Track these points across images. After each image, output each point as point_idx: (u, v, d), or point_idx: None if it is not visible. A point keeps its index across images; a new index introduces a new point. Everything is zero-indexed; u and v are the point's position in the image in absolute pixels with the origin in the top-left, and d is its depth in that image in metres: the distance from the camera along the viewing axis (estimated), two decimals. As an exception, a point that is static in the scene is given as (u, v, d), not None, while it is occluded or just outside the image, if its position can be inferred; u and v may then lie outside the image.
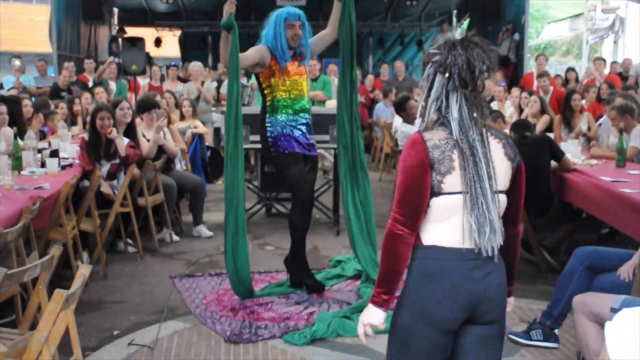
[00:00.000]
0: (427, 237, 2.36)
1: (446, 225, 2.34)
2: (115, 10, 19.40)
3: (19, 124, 7.14)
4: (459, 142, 2.30)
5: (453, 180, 2.30)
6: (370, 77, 14.30)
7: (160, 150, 7.20)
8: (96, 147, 6.32)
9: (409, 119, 7.90)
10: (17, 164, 5.88)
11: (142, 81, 12.21)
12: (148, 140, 7.09)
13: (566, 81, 11.72)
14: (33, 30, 21.29)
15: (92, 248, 6.12)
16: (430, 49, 2.37)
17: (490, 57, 2.36)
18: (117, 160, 6.40)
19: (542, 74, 10.33)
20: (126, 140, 6.56)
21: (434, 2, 19.08)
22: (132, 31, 17.55)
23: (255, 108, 10.24)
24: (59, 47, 14.21)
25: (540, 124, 8.04)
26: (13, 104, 7.14)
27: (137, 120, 7.49)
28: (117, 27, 18.29)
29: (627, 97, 7.35)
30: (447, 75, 2.32)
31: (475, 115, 2.34)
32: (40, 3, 24.03)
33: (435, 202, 2.32)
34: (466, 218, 2.31)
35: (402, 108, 8.03)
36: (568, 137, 7.89)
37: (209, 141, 10.43)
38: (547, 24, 27.45)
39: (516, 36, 15.39)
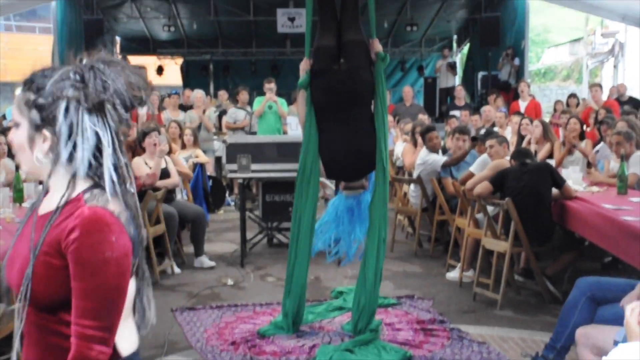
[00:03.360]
0: (122, 346, 1.87)
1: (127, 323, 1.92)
2: (118, 39, 19.57)
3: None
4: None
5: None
6: (387, 94, 14.32)
7: (163, 176, 7.20)
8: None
9: (432, 150, 7.92)
10: (18, 196, 5.88)
11: (141, 110, 12.23)
12: (150, 168, 7.10)
13: (567, 107, 11.72)
14: (36, 59, 21.41)
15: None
16: (52, 80, 1.80)
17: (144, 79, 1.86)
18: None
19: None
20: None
21: (434, 27, 19.22)
22: (134, 59, 17.68)
23: (257, 137, 10.33)
24: (61, 77, 14.28)
25: (542, 152, 8.03)
26: None
27: (139, 151, 7.52)
28: (119, 56, 18.39)
29: (629, 122, 7.35)
30: (98, 112, 1.78)
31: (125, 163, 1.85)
32: (43, 33, 24.20)
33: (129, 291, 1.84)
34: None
35: (425, 138, 8.00)
36: (566, 159, 7.88)
37: (210, 170, 10.45)
38: (547, 48, 27.55)
39: (516, 61, 15.47)
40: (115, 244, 1.71)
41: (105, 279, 1.70)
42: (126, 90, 1.80)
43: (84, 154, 1.77)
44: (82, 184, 1.79)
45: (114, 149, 1.80)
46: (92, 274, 1.68)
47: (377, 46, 4.90)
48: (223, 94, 13.77)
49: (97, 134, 1.77)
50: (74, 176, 1.79)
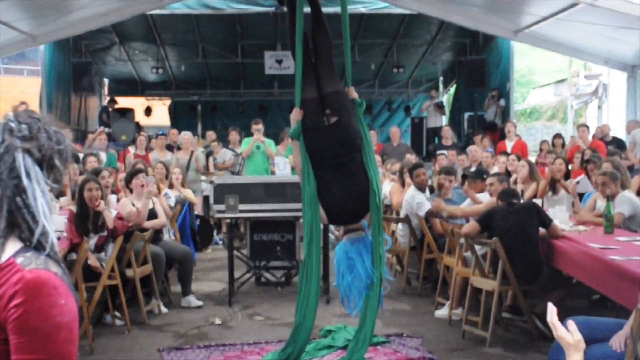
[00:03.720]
0: None
1: None
2: (106, 80, 19.68)
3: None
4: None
5: None
6: (372, 135, 14.41)
7: (151, 217, 7.19)
8: (84, 219, 6.29)
9: (420, 186, 7.97)
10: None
11: (131, 149, 12.26)
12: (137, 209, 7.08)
13: (553, 147, 11.83)
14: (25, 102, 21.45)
15: (79, 322, 6.02)
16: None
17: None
18: (105, 233, 6.37)
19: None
20: (114, 212, 6.54)
21: (420, 69, 19.46)
22: (122, 101, 17.77)
23: (245, 177, 10.35)
24: (49, 118, 14.30)
25: (528, 191, 8.09)
26: None
27: (126, 196, 7.52)
28: (107, 98, 18.48)
29: (613, 163, 7.42)
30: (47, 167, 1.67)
31: None
32: (31, 75, 24.30)
33: None
34: None
35: (412, 175, 8.06)
36: (552, 198, 7.94)
37: (198, 210, 10.43)
38: (532, 89, 27.90)
39: (502, 102, 15.64)
40: (65, 307, 1.55)
41: (56, 346, 1.53)
42: (71, 146, 1.69)
43: (24, 213, 1.59)
44: (10, 247, 1.59)
45: (49, 207, 1.64)
46: (43, 342, 1.51)
47: (353, 94, 5.18)
48: (211, 135, 13.81)
49: (35, 190, 1.60)
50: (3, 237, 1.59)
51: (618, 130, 13.26)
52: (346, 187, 4.92)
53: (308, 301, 5.01)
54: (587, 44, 12.91)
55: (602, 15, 10.16)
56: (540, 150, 12.41)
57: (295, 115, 5.01)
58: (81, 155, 10.93)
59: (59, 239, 6.24)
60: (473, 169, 9.24)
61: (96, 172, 7.29)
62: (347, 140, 4.97)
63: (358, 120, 5.08)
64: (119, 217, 6.49)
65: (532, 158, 11.87)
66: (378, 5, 14.59)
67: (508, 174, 8.70)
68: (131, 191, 7.45)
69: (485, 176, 7.82)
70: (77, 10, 11.47)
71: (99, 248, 6.39)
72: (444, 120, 17.93)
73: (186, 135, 12.08)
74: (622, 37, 11.18)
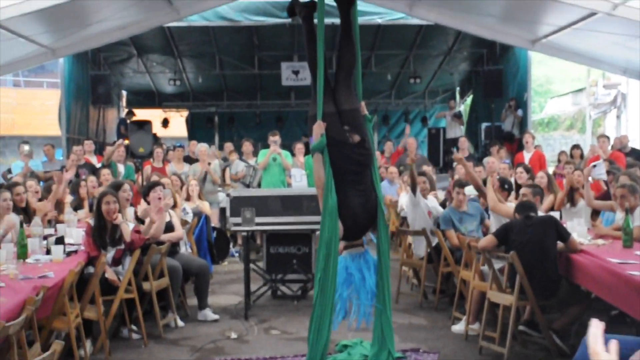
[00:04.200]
0: None
1: None
2: (124, 92, 19.82)
3: (26, 210, 7.22)
4: None
5: None
6: (376, 154, 14.38)
7: (167, 230, 7.21)
8: (102, 232, 6.32)
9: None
10: (22, 252, 5.88)
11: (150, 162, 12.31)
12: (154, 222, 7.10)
13: (571, 158, 11.75)
14: (44, 114, 21.75)
15: (96, 335, 6.05)
16: None
17: None
18: (122, 246, 6.39)
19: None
20: (131, 225, 6.57)
21: (437, 79, 19.43)
22: (140, 112, 17.86)
23: (261, 189, 10.36)
24: (68, 131, 14.48)
25: (546, 203, 8.03)
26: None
27: (144, 204, 7.55)
28: (125, 109, 18.58)
29: (631, 175, 7.35)
30: None
31: None
32: (50, 88, 24.53)
33: None
34: None
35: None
36: (570, 210, 7.87)
37: (215, 222, 10.45)
38: (550, 98, 27.74)
39: (519, 112, 15.56)
40: None
41: None
42: None
43: None
44: None
45: None
46: None
47: (364, 109, 5.34)
48: (229, 146, 13.83)
49: None
50: None
51: (637, 141, 13.15)
52: (362, 202, 5.02)
53: (323, 315, 5.00)
54: (605, 53, 12.82)
55: (620, 25, 10.09)
56: (559, 161, 12.32)
57: (319, 129, 5.02)
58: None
59: (76, 252, 6.28)
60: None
61: (118, 185, 7.31)
62: (366, 157, 5.15)
63: (370, 137, 5.21)
64: (137, 230, 6.51)
65: (550, 169, 11.80)
66: (394, 16, 14.59)
67: (518, 186, 8.62)
68: (148, 204, 7.48)
69: (506, 186, 7.78)
70: (95, 23, 11.55)
71: (117, 261, 6.41)
72: (463, 130, 17.87)
73: (203, 147, 12.11)
74: (641, 46, 11.11)
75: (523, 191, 6.95)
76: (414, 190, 8.02)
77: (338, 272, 4.99)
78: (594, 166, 7.84)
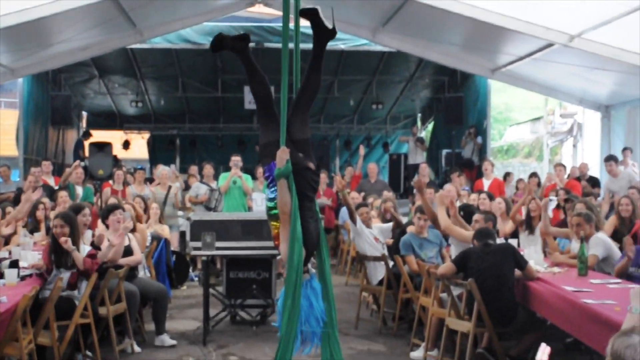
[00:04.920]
0: None
1: None
2: (84, 114, 19.62)
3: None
4: None
5: None
6: (337, 179, 14.38)
7: (126, 253, 7.12)
8: (57, 254, 6.20)
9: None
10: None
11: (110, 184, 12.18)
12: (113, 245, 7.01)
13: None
14: (1, 134, 21.37)
15: (49, 362, 5.93)
16: None
17: None
18: (76, 270, 6.27)
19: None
20: (87, 249, 6.44)
21: (399, 105, 19.63)
22: (101, 134, 17.71)
23: (222, 214, 10.30)
24: (25, 151, 14.24)
25: (507, 228, 8.16)
26: None
27: (102, 227, 7.45)
28: (84, 131, 18.39)
29: (587, 204, 7.48)
30: None
31: None
32: (8, 108, 24.18)
33: None
34: None
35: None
36: (528, 238, 7.98)
37: (174, 245, 10.35)
38: (509, 126, 28.20)
39: (479, 139, 15.76)
40: None
41: None
42: None
43: None
44: None
45: None
46: None
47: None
48: (194, 169, 13.70)
49: None
50: None
51: (592, 169, 13.40)
52: (315, 227, 5.06)
53: (288, 343, 4.97)
54: (562, 83, 13.11)
55: (577, 56, 10.34)
56: (517, 189, 12.49)
57: (284, 154, 5.01)
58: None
59: (31, 275, 6.16)
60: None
61: (78, 209, 7.18)
62: (318, 183, 5.26)
63: None
64: (91, 254, 6.38)
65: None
66: (358, 42, 14.75)
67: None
68: (107, 227, 7.38)
69: (461, 213, 7.83)
70: (57, 43, 11.47)
71: (72, 285, 6.29)
72: (424, 156, 18.03)
73: (164, 170, 12.03)
74: (596, 77, 11.38)
75: (476, 217, 7.02)
76: (353, 220, 8.08)
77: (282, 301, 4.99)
78: (550, 200, 8.02)
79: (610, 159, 11.29)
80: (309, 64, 5.32)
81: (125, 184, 11.99)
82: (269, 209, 5.20)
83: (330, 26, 5.25)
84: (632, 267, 6.16)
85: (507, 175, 13.22)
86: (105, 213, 7.48)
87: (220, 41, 5.34)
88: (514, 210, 8.44)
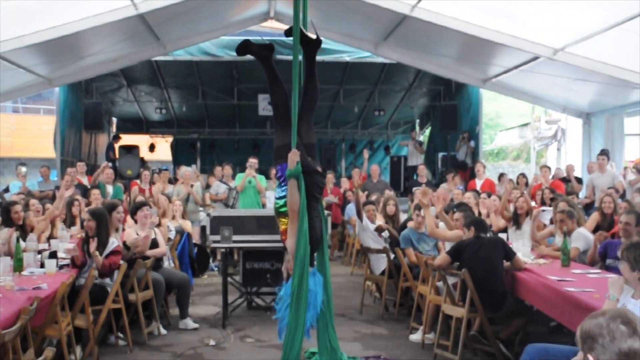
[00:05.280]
0: None
1: None
2: (114, 119, 19.70)
3: (22, 226, 7.15)
4: None
5: None
6: (343, 179, 14.43)
7: (152, 246, 7.19)
8: (89, 246, 6.24)
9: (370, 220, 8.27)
10: (18, 265, 5.82)
11: (140, 184, 12.24)
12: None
13: (517, 185, 11.93)
14: (40, 138, 21.52)
15: (85, 342, 5.99)
16: None
17: None
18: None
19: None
20: (116, 243, 6.45)
21: (399, 112, 19.63)
22: (128, 138, 17.75)
23: (239, 210, 10.35)
24: (62, 153, 14.35)
25: (500, 224, 8.19)
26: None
27: (131, 222, 7.51)
28: (113, 134, 18.48)
29: (569, 202, 7.50)
30: None
31: None
32: (47, 114, 24.32)
33: None
34: None
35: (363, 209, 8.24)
36: (516, 233, 7.99)
37: (196, 239, 10.41)
38: (499, 131, 28.14)
39: (472, 143, 15.77)
40: None
41: None
42: None
43: None
44: None
45: None
46: None
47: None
48: (219, 170, 13.64)
49: None
50: None
51: (576, 170, 13.40)
52: (319, 226, 5.10)
53: (297, 327, 5.01)
54: (547, 92, 13.10)
55: (560, 68, 10.34)
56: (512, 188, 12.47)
57: (295, 156, 5.05)
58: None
59: (68, 265, 6.22)
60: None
61: (113, 206, 7.20)
62: (324, 184, 5.37)
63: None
64: (115, 251, 6.36)
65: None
66: (361, 55, 14.77)
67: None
68: (135, 222, 7.44)
69: (454, 210, 7.82)
70: (89, 56, 11.53)
71: (104, 274, 6.34)
72: (422, 159, 18.05)
73: (187, 171, 12.10)
74: (578, 87, 11.37)
75: (456, 216, 7.00)
76: (359, 217, 8.11)
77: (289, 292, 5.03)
78: (543, 210, 8.02)
79: (603, 153, 11.30)
80: (305, 74, 5.35)
81: (152, 183, 12.07)
82: (279, 206, 5.23)
83: (314, 37, 5.29)
84: (610, 258, 6.20)
85: (501, 175, 13.21)
86: (134, 209, 7.54)
87: (245, 47, 5.37)
88: (500, 207, 8.44)
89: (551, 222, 8.47)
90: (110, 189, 11.32)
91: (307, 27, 5.37)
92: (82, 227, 8.53)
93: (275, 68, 5.38)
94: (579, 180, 12.18)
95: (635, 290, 3.70)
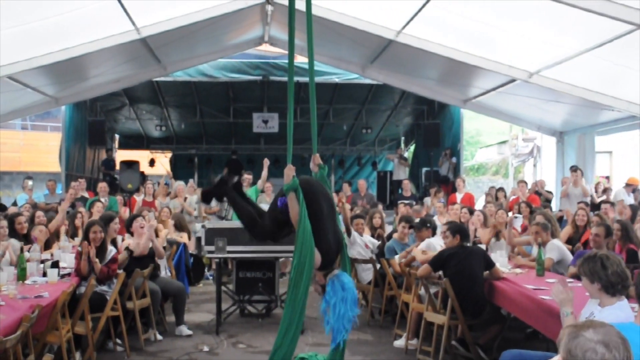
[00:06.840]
0: None
1: None
2: (117, 136, 19.63)
3: (26, 237, 7.09)
4: None
5: None
6: (333, 194, 14.36)
7: (151, 255, 7.13)
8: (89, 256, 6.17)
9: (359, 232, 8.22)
10: (22, 274, 5.75)
11: (137, 197, 12.18)
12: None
13: (496, 198, 11.95)
14: (47, 153, 21.45)
15: (85, 348, 5.91)
16: None
17: None
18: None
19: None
20: (114, 252, 6.42)
21: (385, 130, 19.64)
22: (129, 153, 17.69)
23: (232, 222, 10.29)
24: (67, 168, 14.27)
25: (486, 235, 8.19)
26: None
27: (128, 235, 7.43)
28: (110, 150, 18.39)
29: (545, 215, 7.49)
30: None
31: None
32: (53, 131, 24.26)
33: None
34: None
35: (353, 223, 8.19)
36: (495, 244, 7.98)
37: (192, 249, 10.34)
38: (479, 148, 28.22)
39: (454, 159, 15.79)
40: None
41: None
42: None
43: None
44: None
45: None
46: None
47: (318, 160, 5.24)
48: None
49: None
50: None
51: (550, 185, 13.44)
52: (335, 235, 4.93)
53: (291, 332, 4.92)
54: (523, 112, 13.16)
55: (535, 90, 10.39)
56: (487, 202, 12.49)
57: (290, 171, 4.99)
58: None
59: (69, 274, 6.15)
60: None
61: (110, 218, 7.15)
62: (331, 195, 5.12)
63: (322, 179, 5.16)
64: (113, 259, 6.34)
65: (479, 206, 11.94)
66: (349, 76, 14.80)
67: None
68: (132, 234, 7.38)
69: (429, 225, 7.70)
70: (93, 77, 11.51)
71: (103, 281, 6.27)
72: (407, 173, 18.05)
73: (180, 185, 12.09)
74: (552, 108, 11.42)
75: (443, 229, 6.95)
76: (348, 233, 8.01)
77: (335, 288, 4.88)
78: (515, 217, 8.04)
79: (577, 169, 11.35)
80: None
81: (154, 196, 12.03)
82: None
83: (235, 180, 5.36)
84: (572, 264, 6.17)
85: (491, 189, 13.22)
86: (129, 222, 7.48)
87: (207, 194, 5.42)
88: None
89: (523, 229, 8.51)
90: (104, 201, 11.24)
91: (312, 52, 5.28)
92: (85, 238, 8.45)
93: (243, 199, 5.38)
94: (550, 193, 12.28)
95: (600, 300, 3.66)
